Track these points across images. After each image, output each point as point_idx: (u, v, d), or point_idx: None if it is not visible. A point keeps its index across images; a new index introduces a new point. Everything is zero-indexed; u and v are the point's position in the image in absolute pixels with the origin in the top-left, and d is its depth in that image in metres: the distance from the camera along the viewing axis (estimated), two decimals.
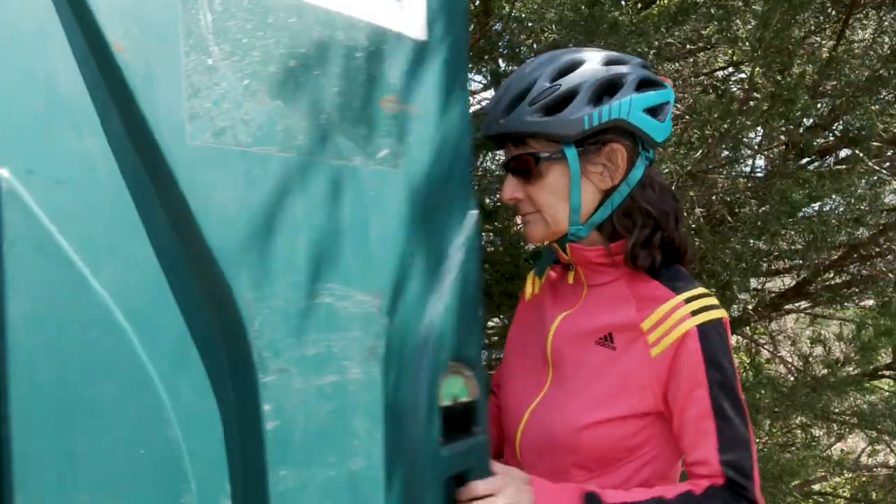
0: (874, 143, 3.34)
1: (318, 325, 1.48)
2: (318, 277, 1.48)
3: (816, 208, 3.42)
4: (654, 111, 1.74)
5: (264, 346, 1.38)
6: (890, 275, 3.68)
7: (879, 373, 3.86)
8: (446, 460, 1.70)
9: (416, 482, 1.65)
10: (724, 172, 3.64)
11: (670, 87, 1.81)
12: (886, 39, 3.34)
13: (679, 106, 3.93)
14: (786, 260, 3.78)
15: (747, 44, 3.25)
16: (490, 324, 4.31)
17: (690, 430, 1.57)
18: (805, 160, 3.73)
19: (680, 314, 1.59)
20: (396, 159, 1.64)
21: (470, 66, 4.47)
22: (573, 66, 1.71)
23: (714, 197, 3.61)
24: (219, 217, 1.32)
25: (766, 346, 4.60)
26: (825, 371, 3.68)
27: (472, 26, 4.30)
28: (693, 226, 3.45)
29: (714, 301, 1.61)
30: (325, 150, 1.50)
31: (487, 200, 3.70)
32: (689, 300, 1.60)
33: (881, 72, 3.25)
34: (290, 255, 1.43)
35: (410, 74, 1.70)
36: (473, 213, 1.83)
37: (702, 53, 4.03)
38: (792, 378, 3.93)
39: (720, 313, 1.60)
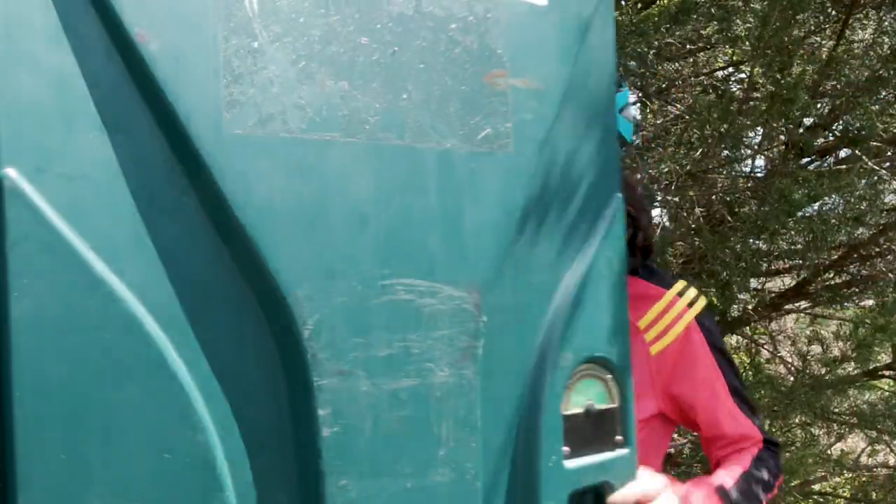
0: (874, 143, 3.34)
1: (391, 324, 1.34)
2: (393, 272, 1.34)
3: (816, 208, 3.42)
4: (622, 111, 1.74)
5: (321, 346, 1.27)
6: (890, 275, 3.68)
7: (879, 372, 3.86)
8: (571, 474, 1.52)
9: (528, 495, 1.49)
10: (724, 172, 3.65)
11: (627, 87, 1.81)
12: (886, 39, 3.35)
13: (679, 106, 3.93)
14: (786, 260, 3.78)
15: (747, 43, 3.25)
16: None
17: (724, 415, 1.63)
18: (805, 160, 3.73)
19: (678, 309, 1.62)
20: (505, 140, 1.46)
21: None
22: None
23: (714, 197, 3.61)
24: (263, 209, 1.23)
25: (765, 346, 4.60)
26: (824, 370, 3.68)
27: None
28: (693, 225, 3.45)
29: (694, 289, 1.66)
30: (404, 133, 1.36)
31: None
32: (680, 294, 1.64)
33: (881, 72, 3.26)
34: (355, 249, 1.31)
35: (526, 45, 1.50)
36: (617, 197, 1.63)
37: (702, 53, 4.04)
38: (791, 378, 3.94)
39: (704, 299, 1.66)
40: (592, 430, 1.55)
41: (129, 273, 1.15)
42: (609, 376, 1.58)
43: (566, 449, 1.51)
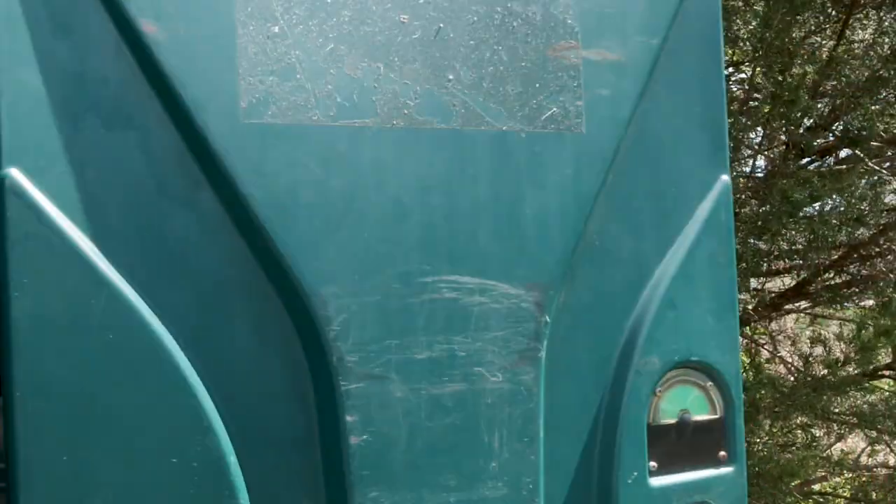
0: (874, 144, 3.34)
1: (432, 324, 1.24)
2: (436, 269, 1.24)
3: (817, 208, 3.41)
4: None
5: (349, 349, 1.19)
6: (890, 275, 3.68)
7: (879, 373, 3.86)
8: (657, 493, 1.38)
9: None
10: None
11: None
12: (886, 40, 3.34)
13: None
14: (786, 260, 3.77)
15: (748, 44, 3.25)
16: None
17: None
18: (805, 160, 3.73)
19: None
20: (573, 120, 1.33)
21: None
22: None
23: None
24: (283, 203, 1.16)
25: (765, 347, 4.60)
26: (825, 371, 3.68)
27: None
28: None
29: None
30: (451, 116, 1.25)
31: None
32: None
33: (881, 72, 3.25)
34: (391, 244, 1.21)
35: (600, 12, 1.34)
36: (723, 181, 1.46)
37: None
38: (792, 378, 3.93)
39: None
40: (688, 444, 1.41)
41: (137, 273, 1.12)
42: (710, 383, 1.43)
43: (653, 464, 1.37)
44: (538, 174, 1.30)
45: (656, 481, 1.37)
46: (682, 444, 1.40)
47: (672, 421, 1.39)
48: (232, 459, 1.15)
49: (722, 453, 1.42)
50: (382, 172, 1.21)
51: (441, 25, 1.25)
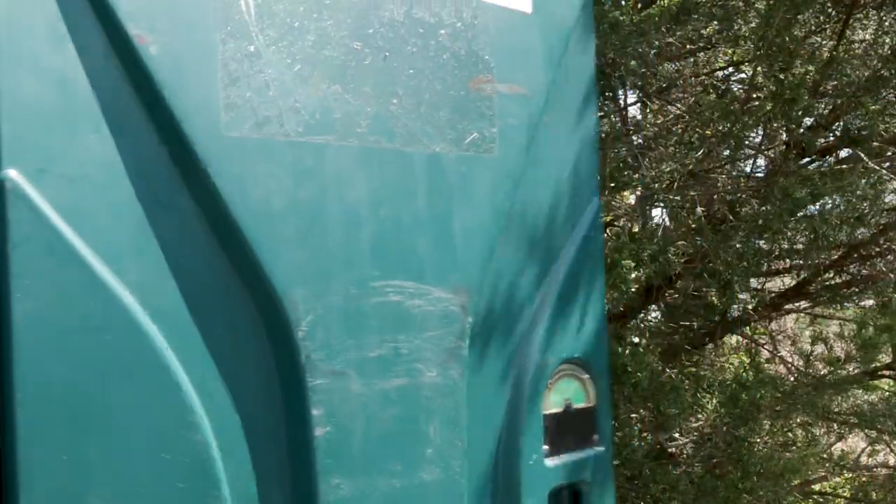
0: (875, 143, 3.34)
1: (384, 324, 1.36)
2: (385, 274, 1.36)
3: (817, 208, 3.42)
4: None
5: (315, 347, 1.28)
6: (890, 275, 3.68)
7: (879, 372, 3.86)
8: (553, 472, 1.55)
9: (511, 494, 1.50)
10: (726, 172, 3.64)
11: None
12: (887, 39, 3.35)
13: (680, 106, 3.93)
14: (786, 259, 3.77)
15: (749, 43, 3.25)
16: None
17: None
18: (806, 160, 3.73)
19: None
20: (490, 144, 1.48)
21: None
22: None
23: (715, 196, 3.61)
24: (261, 212, 1.24)
25: (765, 346, 4.60)
26: (825, 370, 3.68)
27: None
28: (694, 225, 3.45)
29: None
30: (395, 137, 1.37)
31: None
32: None
33: (882, 71, 3.26)
34: (349, 251, 1.32)
35: (511, 51, 1.51)
36: (595, 202, 1.66)
37: (702, 53, 4.03)
38: (792, 378, 3.94)
39: None
40: (571, 429, 1.59)
41: (128, 274, 1.15)
42: (586, 376, 1.62)
43: (546, 447, 1.54)
44: (463, 192, 1.47)
45: (550, 462, 1.55)
46: (567, 429, 1.58)
47: (559, 409, 1.57)
48: (215, 454, 1.21)
49: (595, 436, 1.62)
50: (341, 186, 1.33)
51: (387, 54, 1.38)
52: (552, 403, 1.58)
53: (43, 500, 1.08)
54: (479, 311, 1.48)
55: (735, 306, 3.88)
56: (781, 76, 3.15)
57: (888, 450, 4.50)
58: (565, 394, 1.59)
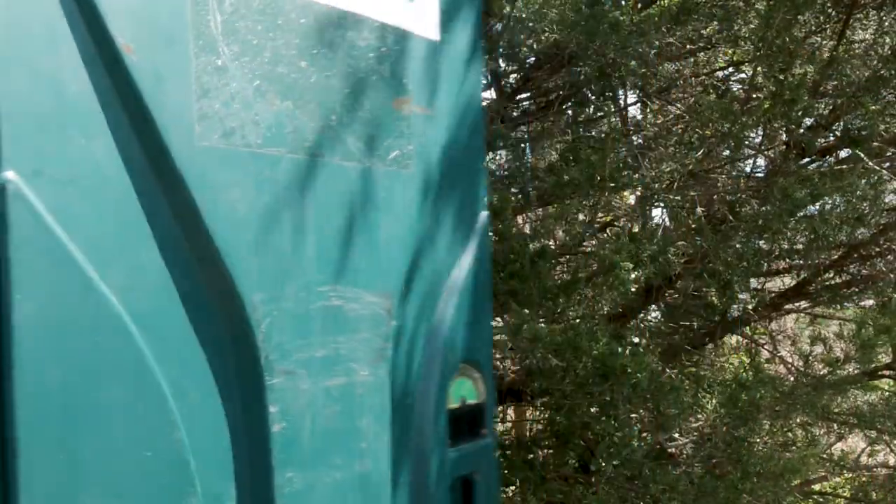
0: (875, 143, 3.34)
1: (326, 327, 1.46)
2: (328, 279, 1.47)
3: (817, 208, 3.42)
4: None
5: (272, 348, 1.37)
6: (890, 275, 3.68)
7: (879, 372, 3.86)
8: (454, 462, 1.69)
9: (424, 484, 1.63)
10: (726, 172, 3.65)
11: None
12: (887, 40, 3.35)
13: (680, 106, 3.93)
14: (786, 259, 3.78)
15: (749, 44, 3.25)
16: (492, 323, 4.30)
17: None
18: (806, 160, 3.73)
19: None
20: (408, 161, 1.62)
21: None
22: None
23: (715, 196, 3.61)
24: (228, 218, 1.32)
25: (765, 347, 4.60)
26: (825, 370, 3.68)
27: None
28: (694, 225, 3.45)
29: None
30: (335, 151, 1.49)
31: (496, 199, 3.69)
32: None
33: (882, 72, 3.26)
34: (298, 257, 1.43)
35: (423, 75, 1.67)
36: (484, 215, 1.82)
37: (702, 53, 4.04)
38: (792, 378, 3.94)
39: None
40: (466, 423, 1.74)
41: (112, 277, 1.19)
42: (477, 375, 1.78)
43: (449, 440, 1.70)
44: (388, 204, 1.60)
45: (452, 454, 1.68)
46: (463, 423, 1.71)
47: (457, 405, 1.70)
48: (189, 451, 1.27)
49: (484, 430, 1.75)
50: (292, 196, 1.43)
51: (328, 73, 1.48)
52: (451, 400, 1.71)
53: (42, 498, 1.10)
54: (399, 314, 1.60)
55: (735, 306, 3.89)
56: (781, 76, 3.15)
57: (888, 450, 4.50)
58: (461, 391, 1.73)
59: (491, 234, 3.57)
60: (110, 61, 1.20)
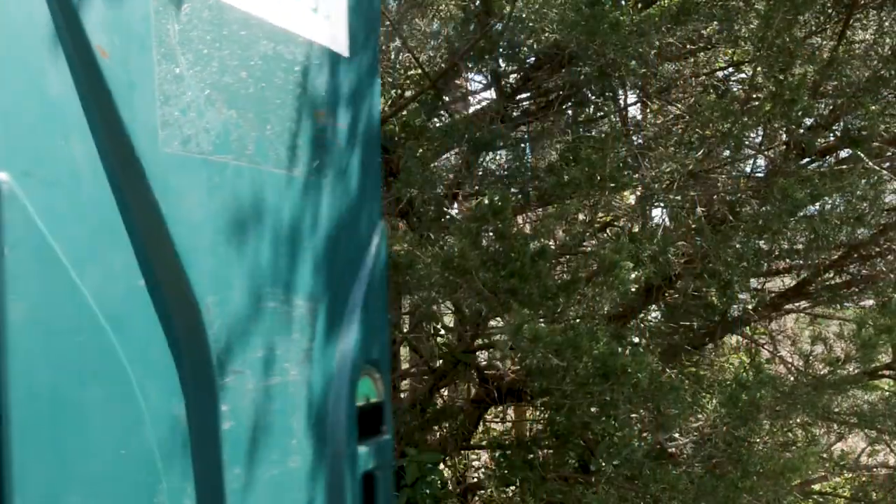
0: (875, 144, 3.34)
1: (265, 328, 1.53)
2: (266, 283, 1.54)
3: (817, 208, 3.42)
4: None
5: (222, 348, 1.43)
6: (890, 275, 3.68)
7: (879, 372, 3.86)
8: (362, 458, 1.76)
9: (341, 479, 1.70)
10: (726, 172, 3.65)
11: None
12: (887, 40, 3.35)
13: (680, 106, 3.93)
14: (786, 260, 3.78)
15: (749, 44, 3.25)
16: (492, 323, 4.30)
17: None
18: (806, 160, 3.73)
19: None
20: (325, 170, 1.71)
21: (470, 65, 4.47)
22: None
23: (715, 196, 3.61)
24: (186, 223, 1.36)
25: (765, 347, 4.60)
26: (825, 370, 3.68)
27: (472, 26, 4.30)
28: (694, 225, 3.45)
29: None
30: (269, 160, 1.55)
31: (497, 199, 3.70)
32: None
33: (882, 72, 3.26)
34: (242, 261, 1.49)
35: (336, 89, 1.75)
36: (381, 225, 1.91)
37: (702, 53, 4.04)
38: (792, 378, 3.94)
39: None
40: (369, 421, 1.81)
41: (89, 278, 1.22)
42: (378, 375, 1.86)
43: (357, 437, 1.77)
44: (311, 211, 1.66)
45: (361, 449, 1.75)
46: (367, 421, 1.78)
47: (362, 403, 1.78)
48: (157, 449, 1.31)
49: (384, 427, 1.84)
50: (237, 202, 1.47)
51: (263, 85, 1.54)
52: (358, 398, 1.79)
53: (34, 496, 1.12)
54: (321, 317, 1.68)
55: (735, 306, 3.89)
56: (781, 77, 3.15)
57: (888, 450, 4.50)
58: (364, 391, 1.82)
59: (491, 233, 3.57)
60: (88, 65, 1.22)
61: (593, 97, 4.29)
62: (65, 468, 1.15)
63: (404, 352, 5.99)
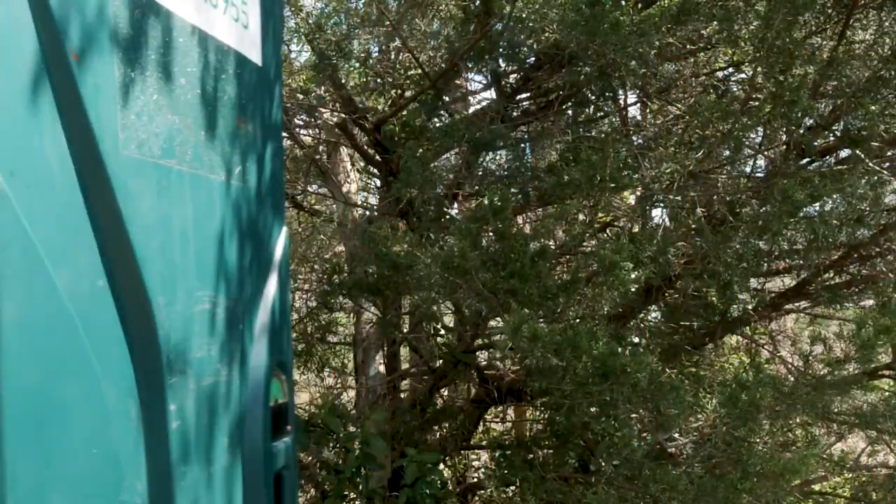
0: (875, 144, 3.34)
1: (202, 330, 1.57)
2: (202, 285, 1.58)
3: (817, 208, 3.42)
4: None
5: (170, 349, 1.46)
6: (890, 275, 3.68)
7: (879, 372, 3.86)
8: (274, 457, 1.81)
9: (260, 477, 1.74)
10: (726, 172, 3.65)
11: None
12: (887, 40, 3.35)
13: (680, 106, 3.93)
14: (786, 260, 3.77)
15: (749, 44, 3.25)
16: (492, 323, 4.31)
17: None
18: (806, 160, 3.73)
19: None
20: (247, 176, 1.77)
21: (470, 66, 4.47)
22: None
23: (715, 197, 3.61)
24: (141, 225, 1.39)
25: (765, 347, 4.60)
26: (825, 370, 3.68)
27: (472, 26, 4.30)
28: (694, 225, 3.45)
29: None
30: (203, 165, 1.60)
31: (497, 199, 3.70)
32: None
33: (882, 72, 3.26)
34: (184, 263, 1.53)
35: (252, 97, 1.81)
36: (284, 229, 1.98)
37: (702, 53, 4.04)
38: (792, 378, 3.93)
39: None
40: (278, 421, 1.88)
41: (62, 279, 1.23)
42: (283, 377, 1.92)
43: (269, 436, 1.82)
44: (236, 216, 1.71)
45: (274, 448, 1.80)
46: (276, 420, 1.83)
47: (272, 404, 1.83)
48: (121, 449, 1.34)
49: (288, 427, 1.90)
50: (181, 206, 1.51)
51: (198, 91, 1.58)
52: (270, 399, 1.85)
53: (25, 496, 1.13)
54: (242, 319, 1.72)
55: (735, 306, 3.89)
56: (781, 77, 3.15)
57: (888, 450, 4.50)
58: (275, 392, 1.88)
59: (491, 233, 3.57)
60: (61, 68, 1.24)
61: (593, 97, 4.29)
62: (50, 467, 1.17)
63: (404, 352, 5.99)
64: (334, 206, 6.06)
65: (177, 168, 1.48)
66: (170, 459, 1.44)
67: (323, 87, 5.03)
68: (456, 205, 4.67)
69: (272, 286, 1.85)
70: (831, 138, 3.70)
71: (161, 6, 1.43)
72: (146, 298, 1.39)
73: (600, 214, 4.15)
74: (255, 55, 1.78)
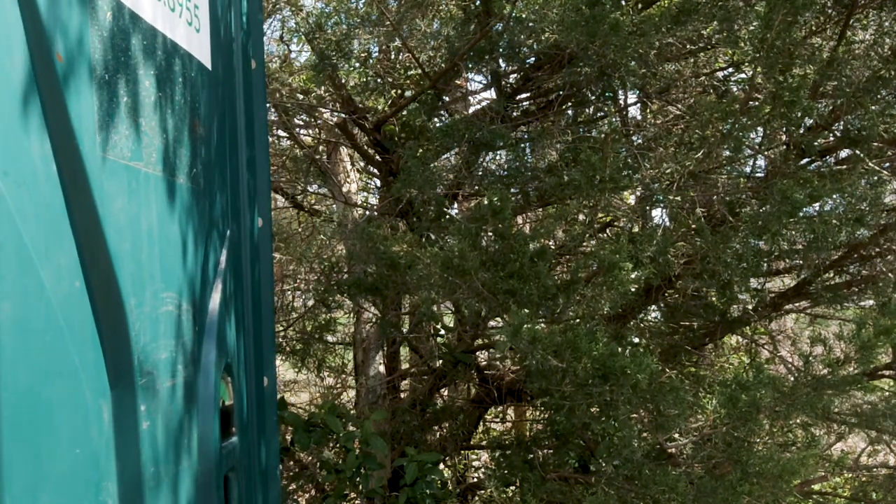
0: (875, 144, 3.34)
1: (166, 331, 1.60)
2: (165, 287, 1.60)
3: (817, 208, 3.42)
4: None
5: (140, 349, 1.48)
6: (890, 275, 3.68)
7: (879, 372, 3.86)
8: (223, 458, 1.83)
9: (209, 479, 1.75)
10: (725, 172, 3.65)
11: None
12: (887, 40, 3.35)
13: (680, 106, 3.93)
14: (786, 260, 3.77)
15: (748, 44, 3.25)
16: (491, 323, 4.30)
17: None
18: (805, 160, 3.73)
19: None
20: (200, 178, 1.78)
21: (470, 66, 4.47)
22: None
23: (715, 197, 3.61)
24: (115, 226, 1.41)
25: (765, 347, 4.60)
26: (825, 371, 3.68)
27: (472, 26, 4.30)
28: (694, 226, 3.45)
29: None
30: (165, 167, 1.62)
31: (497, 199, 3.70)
32: None
33: (882, 72, 3.26)
34: (150, 265, 1.55)
35: (205, 100, 1.84)
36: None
37: (702, 54, 4.04)
38: (792, 378, 3.93)
39: None
40: (225, 423, 1.89)
41: (48, 278, 1.24)
42: (230, 379, 1.95)
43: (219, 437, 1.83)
44: (191, 217, 1.73)
45: (223, 449, 1.83)
46: (224, 421, 1.84)
47: (220, 406, 1.84)
48: (101, 449, 1.35)
49: (234, 429, 1.91)
50: (146, 208, 1.53)
51: (160, 94, 1.60)
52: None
53: (17, 496, 1.13)
54: (196, 320, 1.74)
55: (735, 306, 3.89)
56: (781, 77, 3.15)
57: (888, 450, 4.50)
58: (222, 394, 1.90)
59: (491, 233, 3.57)
60: (46, 69, 1.24)
61: (593, 97, 4.29)
62: (40, 468, 1.17)
63: (404, 352, 5.99)
64: (334, 205, 6.06)
65: (143, 170, 1.50)
66: (140, 459, 1.46)
67: (323, 87, 5.03)
68: (456, 205, 4.67)
69: (217, 290, 1.87)
70: (831, 138, 3.69)
71: (132, 10, 1.47)
72: (120, 300, 1.41)
73: (600, 214, 4.15)
74: (205, 58, 1.81)
